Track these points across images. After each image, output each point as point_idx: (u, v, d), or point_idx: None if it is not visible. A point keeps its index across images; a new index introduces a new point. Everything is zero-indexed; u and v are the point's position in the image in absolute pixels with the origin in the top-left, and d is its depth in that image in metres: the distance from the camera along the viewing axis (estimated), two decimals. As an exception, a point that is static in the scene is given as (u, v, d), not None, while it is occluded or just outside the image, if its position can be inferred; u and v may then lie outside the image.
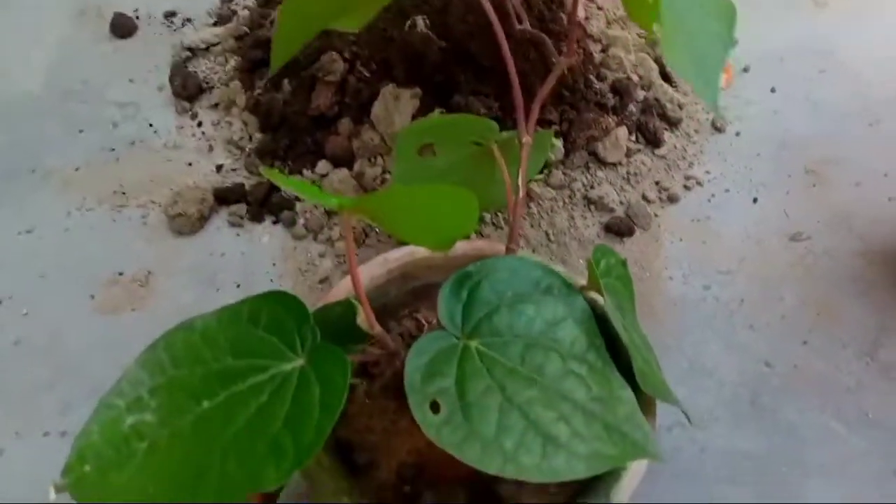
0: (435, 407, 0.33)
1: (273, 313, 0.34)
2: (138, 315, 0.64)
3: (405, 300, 0.48)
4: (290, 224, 0.70)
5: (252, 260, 0.68)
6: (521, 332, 0.36)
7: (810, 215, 0.70)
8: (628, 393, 0.37)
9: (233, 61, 0.82)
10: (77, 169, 0.75)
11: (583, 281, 0.42)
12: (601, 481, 0.40)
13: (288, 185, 0.33)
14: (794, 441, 0.56)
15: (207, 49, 0.84)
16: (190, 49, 0.84)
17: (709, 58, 0.39)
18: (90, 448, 0.31)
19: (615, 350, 0.39)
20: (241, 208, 0.71)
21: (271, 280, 0.66)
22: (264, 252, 0.68)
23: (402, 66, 0.71)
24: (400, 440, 0.41)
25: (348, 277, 0.46)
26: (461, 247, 0.48)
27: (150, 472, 0.30)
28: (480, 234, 0.67)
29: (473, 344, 0.35)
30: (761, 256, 0.67)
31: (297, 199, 0.71)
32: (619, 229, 0.68)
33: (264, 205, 0.71)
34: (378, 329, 0.35)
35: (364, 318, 0.34)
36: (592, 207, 0.70)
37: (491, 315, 0.36)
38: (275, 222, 0.71)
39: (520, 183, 0.45)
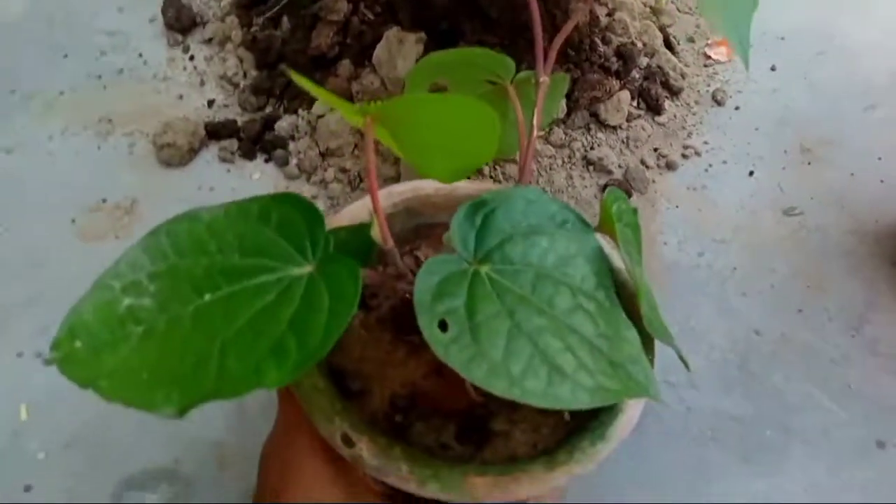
0: (443, 327, 0.32)
1: (285, 214, 0.32)
2: (121, 243, 0.62)
3: (407, 237, 0.46)
4: (283, 163, 0.68)
5: (242, 196, 0.65)
6: (533, 263, 0.35)
7: (804, 191, 0.70)
8: (634, 334, 0.36)
9: (229, -4, 0.79)
10: (61, 93, 0.72)
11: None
12: (593, 425, 0.39)
13: (315, 90, 0.31)
14: (779, 407, 0.57)
15: (203, -18, 0.81)
16: (185, -19, 0.81)
17: (741, 17, 0.40)
18: (82, 326, 0.29)
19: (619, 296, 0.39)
20: (233, 144, 0.69)
21: (261, 218, 0.64)
22: (255, 189, 0.67)
23: (407, 10, 0.69)
24: (394, 371, 0.40)
25: (349, 206, 0.45)
26: (464, 187, 0.46)
27: (145, 356, 0.28)
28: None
29: (484, 269, 0.34)
30: (755, 228, 0.67)
31: (292, 138, 0.69)
32: (617, 191, 0.68)
33: (257, 142, 0.69)
34: (391, 244, 0.34)
35: (378, 232, 0.33)
36: (591, 168, 0.69)
37: (504, 243, 0.35)
38: (267, 160, 0.69)
39: (535, 123, 0.44)
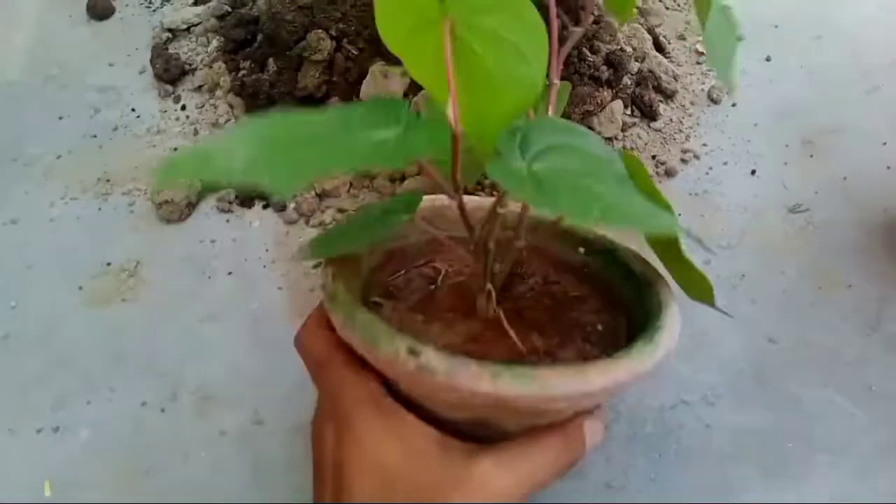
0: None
1: (369, 107, 0.33)
2: (128, 306, 0.63)
3: (422, 249, 0.48)
4: (281, 209, 0.68)
5: (243, 246, 0.66)
6: (571, 167, 0.35)
7: (809, 186, 0.69)
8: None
9: (215, 41, 0.79)
10: (59, 157, 0.73)
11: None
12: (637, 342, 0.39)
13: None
14: (799, 416, 0.56)
15: (188, 29, 0.82)
16: (170, 30, 0.82)
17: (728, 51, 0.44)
18: (178, 165, 0.28)
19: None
20: (230, 194, 0.69)
21: (264, 266, 0.65)
22: (256, 238, 0.67)
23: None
24: (431, 341, 0.39)
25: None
26: (473, 201, 0.47)
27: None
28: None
29: (537, 167, 0.35)
30: (761, 229, 0.66)
31: (288, 182, 0.69)
32: (617, 205, 0.67)
33: (253, 189, 0.69)
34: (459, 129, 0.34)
35: (451, 116, 0.33)
36: (589, 184, 0.69)
37: (544, 152, 0.36)
38: (265, 207, 0.69)
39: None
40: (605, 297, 0.46)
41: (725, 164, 0.71)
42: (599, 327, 0.44)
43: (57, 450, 0.55)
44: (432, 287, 0.46)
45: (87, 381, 0.58)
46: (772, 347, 0.59)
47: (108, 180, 0.71)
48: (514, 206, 0.41)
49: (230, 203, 0.69)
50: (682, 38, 0.82)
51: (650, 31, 0.80)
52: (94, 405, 0.57)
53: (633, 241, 0.46)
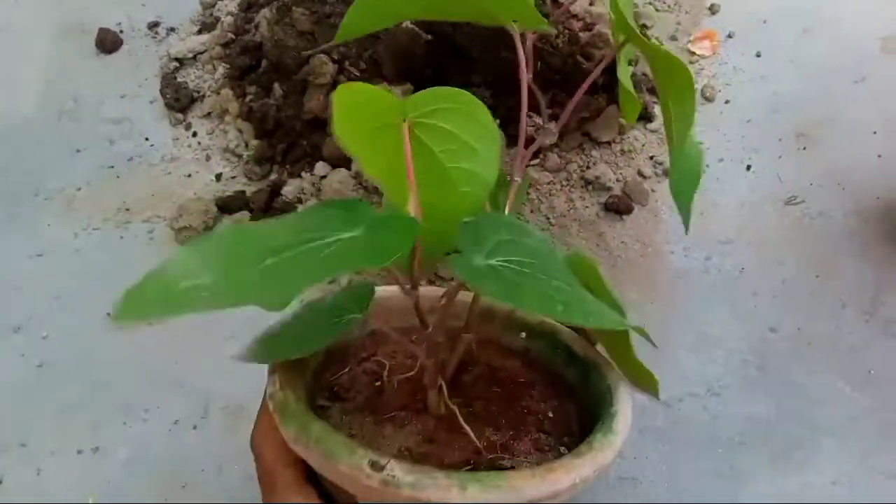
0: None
1: (327, 208, 0.34)
2: (154, 329, 0.66)
3: (365, 343, 0.48)
4: (295, 227, 0.71)
5: (261, 266, 0.69)
6: (526, 259, 0.36)
7: (803, 178, 0.71)
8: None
9: (221, 69, 0.82)
10: (79, 189, 0.76)
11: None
12: (595, 434, 0.39)
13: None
14: (803, 403, 0.58)
15: (194, 58, 0.85)
16: (177, 59, 0.84)
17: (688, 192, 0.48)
18: (140, 297, 0.29)
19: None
20: (245, 216, 0.72)
21: (281, 285, 0.67)
22: (272, 257, 0.69)
23: (390, 63, 0.71)
24: (386, 443, 0.40)
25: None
26: (422, 292, 0.46)
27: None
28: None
29: (495, 262, 0.35)
30: (759, 223, 0.69)
31: (299, 201, 0.72)
32: (618, 208, 0.69)
33: (267, 210, 0.72)
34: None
35: (412, 209, 0.34)
36: (590, 187, 0.71)
37: (498, 246, 0.36)
38: (279, 227, 0.72)
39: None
40: (551, 382, 0.46)
41: (721, 160, 0.73)
42: (550, 414, 0.44)
43: (98, 469, 0.58)
44: (378, 383, 0.44)
45: (121, 403, 0.61)
46: (773, 337, 0.62)
47: (127, 209, 0.74)
48: (462, 297, 0.41)
49: (246, 225, 0.72)
50: (673, 38, 0.84)
51: (642, 33, 0.82)
52: (130, 425, 0.60)
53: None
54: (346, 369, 0.46)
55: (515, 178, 0.43)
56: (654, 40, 0.82)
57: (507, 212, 0.44)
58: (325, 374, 0.45)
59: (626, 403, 0.40)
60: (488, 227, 0.37)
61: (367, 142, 0.34)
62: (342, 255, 0.31)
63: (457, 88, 0.36)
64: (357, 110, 0.34)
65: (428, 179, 0.35)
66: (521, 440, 0.41)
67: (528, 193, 0.69)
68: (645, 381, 0.42)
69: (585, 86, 0.46)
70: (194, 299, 0.28)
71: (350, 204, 0.34)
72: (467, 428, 0.40)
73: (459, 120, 0.35)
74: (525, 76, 0.45)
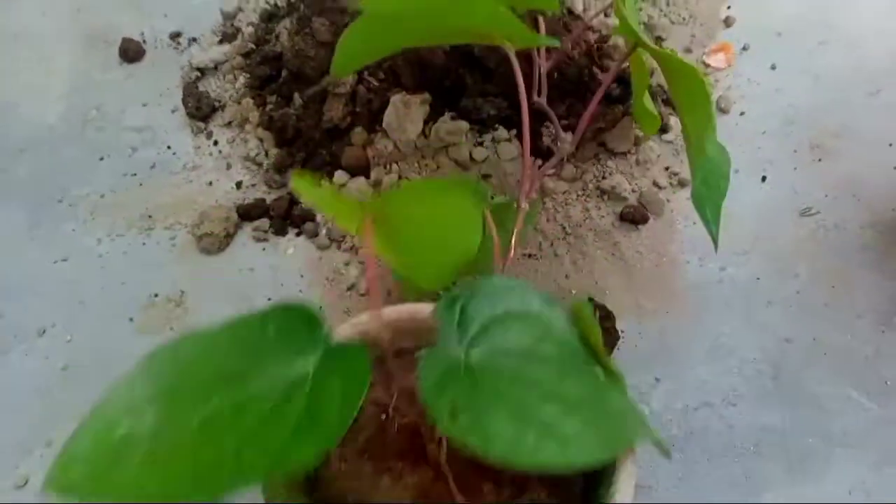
0: (454, 414, 0.32)
1: (282, 323, 0.34)
2: (174, 333, 0.66)
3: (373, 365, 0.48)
4: (313, 235, 0.72)
5: (280, 272, 0.70)
6: (514, 345, 0.36)
7: (818, 189, 0.72)
8: (616, 393, 0.36)
9: (242, 78, 0.84)
10: (102, 196, 0.77)
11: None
12: (600, 482, 0.40)
13: (314, 198, 0.32)
14: (818, 413, 0.59)
15: (216, 68, 0.86)
16: (199, 69, 0.86)
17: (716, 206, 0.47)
18: (79, 455, 0.30)
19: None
20: (265, 223, 0.73)
21: (300, 291, 0.69)
22: (291, 264, 0.71)
23: (409, 73, 0.72)
24: (380, 498, 0.41)
25: (354, 319, 0.46)
26: (425, 310, 0.46)
27: (151, 473, 0.29)
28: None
29: (476, 357, 0.35)
30: (774, 234, 0.69)
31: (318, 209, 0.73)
32: (634, 217, 0.70)
33: (287, 218, 0.73)
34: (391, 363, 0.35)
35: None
36: (605, 197, 0.72)
37: (484, 330, 0.36)
38: (298, 234, 0.73)
39: (513, 243, 0.45)
40: None
41: (737, 171, 0.74)
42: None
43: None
44: (384, 416, 0.44)
45: (142, 407, 0.62)
46: (788, 347, 0.62)
47: (150, 216, 0.75)
48: None
49: (265, 232, 0.73)
50: (688, 50, 0.85)
51: (656, 44, 0.83)
52: (151, 429, 0.61)
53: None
54: None
55: (522, 205, 0.44)
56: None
57: (513, 238, 0.44)
58: None
59: (628, 481, 0.39)
60: (479, 299, 0.37)
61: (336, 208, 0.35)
62: (287, 407, 0.30)
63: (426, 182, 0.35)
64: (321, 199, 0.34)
65: (400, 250, 0.36)
66: (522, 498, 0.41)
67: (543, 203, 0.70)
68: None
69: (597, 98, 0.47)
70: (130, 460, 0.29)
71: (307, 320, 0.34)
72: (458, 497, 0.39)
73: (436, 210, 0.35)
74: (524, 97, 0.46)
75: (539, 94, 0.61)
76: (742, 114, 0.79)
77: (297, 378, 0.32)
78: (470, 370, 0.34)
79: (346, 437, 0.41)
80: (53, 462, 0.28)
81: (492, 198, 0.50)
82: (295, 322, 0.34)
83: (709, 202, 0.46)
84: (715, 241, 0.47)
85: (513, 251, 0.45)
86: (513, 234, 0.45)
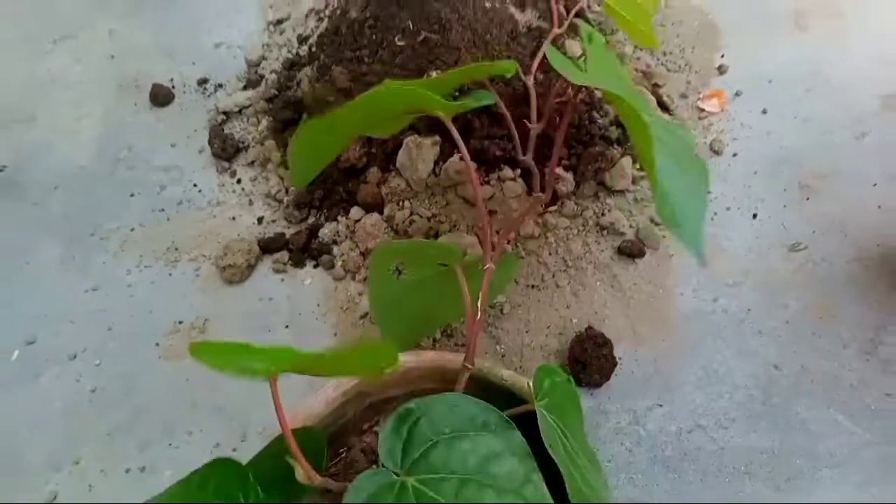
0: None
1: (219, 479, 0.38)
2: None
3: (365, 415, 0.50)
4: (329, 267, 0.77)
5: (298, 302, 0.75)
6: (457, 469, 0.36)
7: (807, 226, 0.76)
8: None
9: (264, 121, 0.89)
10: (132, 230, 0.82)
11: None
12: None
13: (220, 361, 0.34)
14: (806, 436, 0.62)
15: (240, 111, 0.92)
16: (224, 112, 0.92)
17: (692, 212, 0.40)
18: None
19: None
20: (284, 255, 0.78)
21: (317, 318, 0.73)
22: (308, 294, 0.75)
23: (421, 118, 0.77)
24: None
25: (306, 403, 0.49)
26: (409, 361, 0.48)
27: None
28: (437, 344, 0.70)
29: (410, 481, 0.36)
30: (764, 267, 0.73)
31: (335, 242, 0.78)
32: (631, 251, 0.74)
33: (305, 251, 0.78)
34: (319, 480, 0.37)
35: (303, 475, 0.37)
36: (605, 233, 0.76)
37: (429, 451, 0.37)
38: (315, 266, 0.77)
39: (479, 305, 0.47)
40: None
41: (728, 209, 0.78)
42: None
43: (144, 487, 0.63)
44: (375, 465, 0.44)
45: (167, 427, 0.66)
46: (778, 374, 0.65)
47: (176, 249, 0.80)
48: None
49: (284, 264, 0.77)
50: (684, 96, 0.90)
51: (654, 91, 0.88)
52: (175, 447, 0.65)
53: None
54: (345, 449, 0.47)
55: (488, 265, 0.44)
56: (665, 98, 0.88)
57: (480, 303, 0.44)
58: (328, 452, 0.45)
59: None
60: (430, 420, 0.37)
61: None
62: None
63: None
64: None
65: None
66: None
67: (545, 237, 0.74)
68: None
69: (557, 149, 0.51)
70: None
71: (241, 476, 0.37)
72: None
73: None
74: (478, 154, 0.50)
75: (525, 153, 0.65)
76: (735, 155, 0.83)
77: None
78: (403, 495, 0.35)
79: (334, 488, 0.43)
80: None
81: (464, 255, 0.53)
82: (229, 479, 0.38)
83: (688, 214, 0.40)
84: (701, 259, 0.43)
85: (479, 312, 0.46)
86: (479, 294, 0.47)
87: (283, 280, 0.77)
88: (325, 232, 0.78)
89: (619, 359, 0.67)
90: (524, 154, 0.65)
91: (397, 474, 0.36)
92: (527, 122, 0.66)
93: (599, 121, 0.81)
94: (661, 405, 0.65)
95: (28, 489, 0.65)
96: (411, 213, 0.76)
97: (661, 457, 0.61)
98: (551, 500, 0.36)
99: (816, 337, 0.67)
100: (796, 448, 0.61)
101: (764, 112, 0.87)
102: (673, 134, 0.46)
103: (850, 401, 0.63)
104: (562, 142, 0.61)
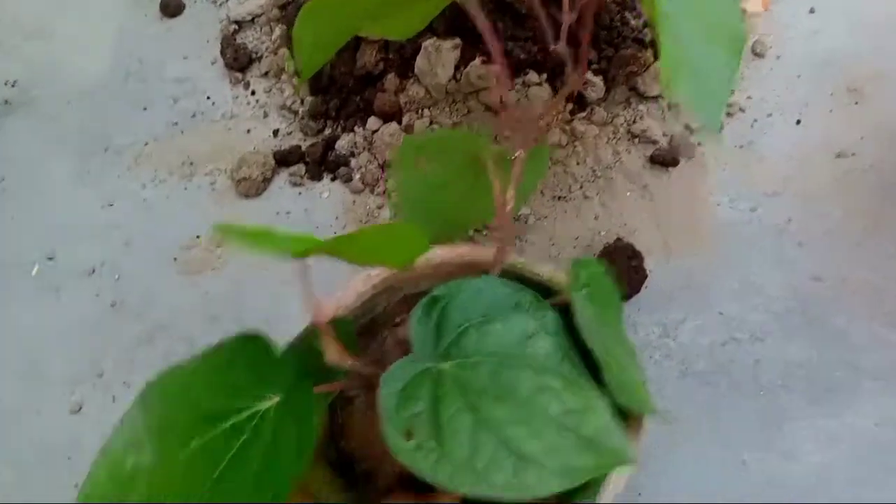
0: (409, 433, 0.32)
1: (249, 355, 0.36)
2: (217, 274, 0.70)
3: (395, 310, 0.48)
4: (347, 180, 0.74)
5: (315, 216, 0.72)
6: (492, 351, 0.35)
7: (854, 132, 0.71)
8: (603, 403, 0.35)
9: (278, 30, 0.85)
10: (146, 144, 0.80)
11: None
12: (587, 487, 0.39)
13: (247, 240, 0.32)
14: (846, 348, 0.59)
15: (253, 20, 0.88)
16: (236, 22, 0.88)
17: (714, 92, 0.35)
18: (97, 489, 0.34)
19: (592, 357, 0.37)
20: (301, 168, 0.75)
21: (335, 232, 0.71)
22: (326, 208, 0.73)
23: (440, 19, 0.73)
24: None
25: (335, 296, 0.46)
26: (441, 254, 0.46)
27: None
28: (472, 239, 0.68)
29: (446, 367, 0.34)
30: (806, 175, 0.69)
31: (352, 155, 0.75)
32: (664, 160, 0.70)
33: (322, 163, 0.75)
34: (350, 362, 0.35)
35: (335, 355, 0.35)
36: (636, 141, 0.72)
37: (461, 336, 0.36)
38: (332, 179, 0.75)
39: (508, 196, 0.44)
40: None
41: (770, 115, 0.73)
42: None
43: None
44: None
45: (187, 341, 0.66)
46: (817, 286, 0.62)
47: (191, 163, 0.78)
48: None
49: (301, 177, 0.75)
50: (723, -5, 0.84)
51: (691, -9, 0.82)
52: (195, 360, 0.64)
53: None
54: (381, 339, 0.46)
55: (518, 154, 0.41)
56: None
57: (509, 194, 0.42)
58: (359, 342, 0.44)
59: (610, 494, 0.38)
60: (459, 305, 0.36)
61: None
62: (250, 452, 0.34)
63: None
64: None
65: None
66: None
67: (573, 146, 0.71)
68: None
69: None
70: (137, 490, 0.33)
71: (267, 351, 0.36)
72: None
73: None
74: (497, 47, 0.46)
75: (557, 41, 0.61)
76: (778, 57, 0.78)
77: (261, 417, 0.35)
78: (440, 382, 0.33)
79: (372, 384, 0.41)
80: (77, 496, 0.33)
81: (493, 144, 0.49)
82: (259, 356, 0.36)
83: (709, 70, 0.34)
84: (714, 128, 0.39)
85: (510, 202, 0.43)
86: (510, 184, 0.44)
87: (300, 194, 0.74)
88: (343, 144, 0.75)
89: (650, 271, 0.64)
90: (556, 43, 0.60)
91: (430, 361, 0.34)
92: (556, 17, 0.61)
93: (632, 22, 0.75)
94: (693, 318, 0.62)
95: (53, 400, 0.65)
96: (431, 122, 0.73)
97: (692, 370, 0.59)
98: (589, 376, 0.35)
99: (860, 247, 0.64)
100: (836, 361, 0.58)
101: (811, 11, 0.81)
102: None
103: (894, 314, 0.60)
104: (589, 42, 0.56)
